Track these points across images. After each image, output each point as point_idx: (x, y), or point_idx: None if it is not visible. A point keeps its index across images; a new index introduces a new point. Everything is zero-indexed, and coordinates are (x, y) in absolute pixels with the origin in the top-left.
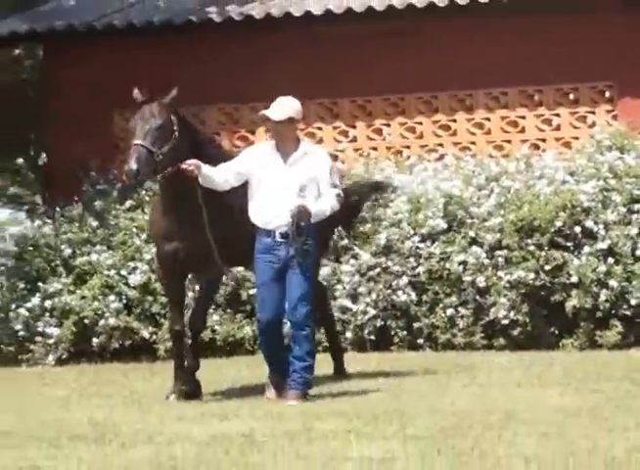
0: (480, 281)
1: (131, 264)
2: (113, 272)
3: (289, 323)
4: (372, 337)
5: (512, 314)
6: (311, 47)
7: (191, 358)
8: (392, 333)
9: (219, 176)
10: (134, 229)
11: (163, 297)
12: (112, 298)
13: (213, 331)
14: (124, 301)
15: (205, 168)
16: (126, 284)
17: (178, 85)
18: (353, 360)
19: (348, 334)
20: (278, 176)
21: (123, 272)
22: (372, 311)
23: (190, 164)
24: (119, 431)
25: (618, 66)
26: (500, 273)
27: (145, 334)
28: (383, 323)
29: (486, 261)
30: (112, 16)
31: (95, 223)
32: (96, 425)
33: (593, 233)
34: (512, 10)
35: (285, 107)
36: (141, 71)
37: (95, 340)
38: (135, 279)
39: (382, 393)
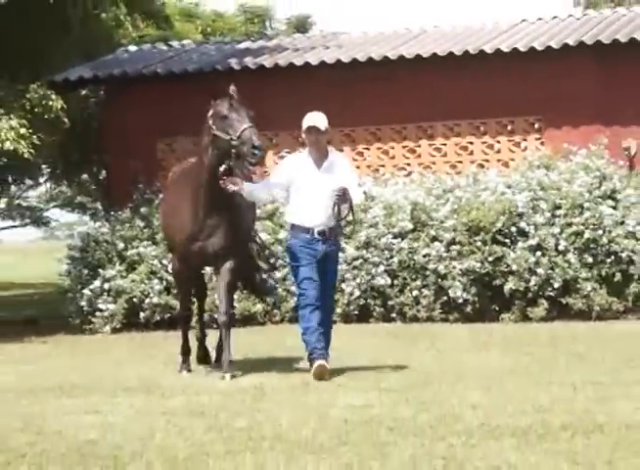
0: (440, 269)
1: (170, 255)
2: (156, 261)
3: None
4: (356, 312)
5: (464, 295)
6: (309, 89)
7: (200, 331)
8: (371, 309)
9: (264, 192)
10: None
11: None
12: (155, 281)
13: (232, 306)
14: (165, 283)
15: (248, 186)
16: (166, 271)
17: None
18: (341, 330)
19: (338, 310)
20: (313, 181)
21: (164, 261)
22: (356, 293)
23: (233, 181)
24: (160, 384)
25: (546, 104)
26: (455, 263)
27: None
28: (364, 301)
29: (444, 254)
30: (156, 65)
31: (142, 224)
32: (142, 380)
33: (525, 232)
34: (463, 61)
35: (323, 119)
36: (178, 109)
37: (142, 314)
38: (171, 266)
39: (362, 355)
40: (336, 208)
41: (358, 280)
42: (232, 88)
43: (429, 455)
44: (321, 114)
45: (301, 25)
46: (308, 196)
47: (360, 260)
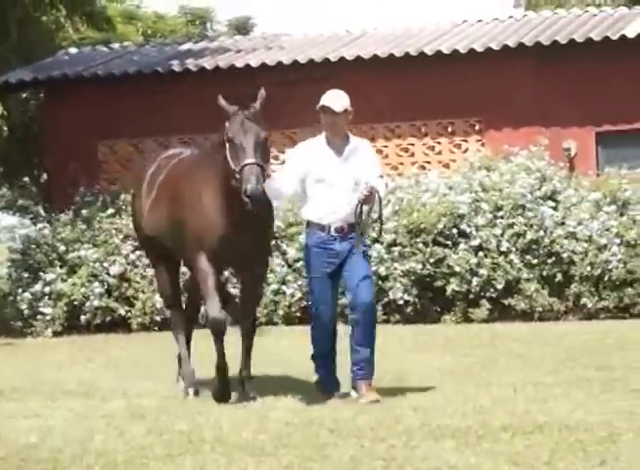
0: (381, 270)
1: (111, 258)
2: (97, 264)
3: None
4: (298, 314)
5: (405, 296)
6: (251, 90)
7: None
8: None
9: (285, 185)
10: (113, 231)
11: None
12: (96, 284)
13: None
14: (106, 286)
15: (270, 180)
16: (107, 273)
17: (147, 121)
18: (284, 332)
19: (280, 311)
20: (333, 171)
21: (105, 264)
22: (298, 294)
23: None
24: (100, 387)
25: (486, 105)
26: (396, 264)
27: (121, 312)
28: (306, 303)
29: (386, 256)
30: (97, 67)
31: (83, 226)
32: (83, 383)
33: (467, 233)
34: (404, 63)
35: (342, 98)
36: (119, 111)
37: (83, 317)
38: (114, 270)
39: (304, 358)
40: (358, 207)
41: (300, 282)
42: (261, 93)
43: (369, 457)
44: (341, 92)
45: (243, 27)
46: (326, 188)
47: (301, 262)
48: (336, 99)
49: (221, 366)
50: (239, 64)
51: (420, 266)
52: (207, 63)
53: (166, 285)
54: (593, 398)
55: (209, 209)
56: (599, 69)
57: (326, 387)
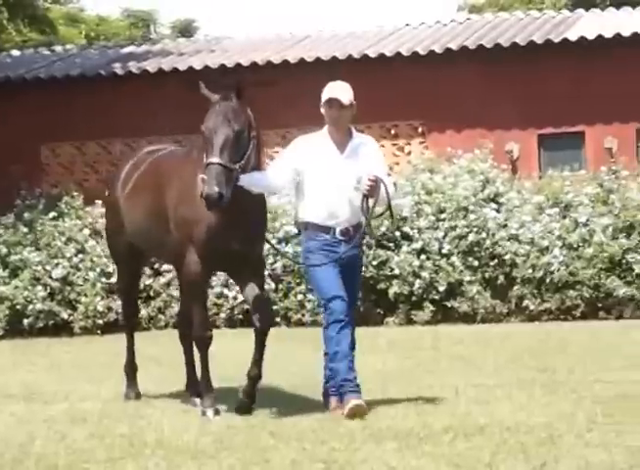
0: None
1: (54, 261)
2: (39, 268)
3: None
4: (240, 316)
5: None
6: (193, 95)
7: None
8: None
9: (274, 180)
10: (56, 234)
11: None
12: (38, 288)
13: (117, 313)
14: (48, 290)
15: (256, 175)
16: (50, 277)
17: (90, 124)
18: (225, 335)
19: (222, 315)
20: (335, 168)
21: (48, 267)
22: (240, 297)
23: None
24: (43, 391)
25: (429, 108)
26: None
27: (64, 316)
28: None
29: None
30: (39, 70)
31: (25, 229)
32: (25, 387)
33: (409, 236)
34: (347, 66)
35: (347, 91)
36: (61, 114)
37: (25, 320)
38: (57, 273)
39: (246, 360)
40: (365, 202)
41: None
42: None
43: (310, 459)
44: (345, 84)
45: (186, 30)
46: (328, 187)
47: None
48: (342, 91)
49: (205, 376)
50: (182, 67)
51: (363, 269)
52: (150, 65)
53: (128, 287)
54: (535, 400)
55: (199, 205)
56: (541, 71)
57: (345, 386)
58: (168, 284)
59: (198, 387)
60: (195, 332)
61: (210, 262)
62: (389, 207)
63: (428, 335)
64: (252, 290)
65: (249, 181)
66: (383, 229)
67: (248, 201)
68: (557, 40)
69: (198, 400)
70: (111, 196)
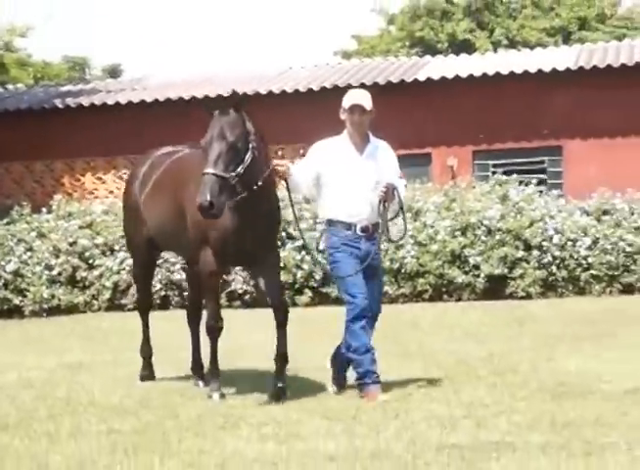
0: None
1: (7, 258)
2: None
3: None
4: (158, 301)
5: (244, 286)
6: (120, 123)
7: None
8: (171, 299)
9: (305, 179)
10: (9, 236)
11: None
12: None
13: (59, 299)
14: (3, 281)
15: (294, 170)
16: (4, 271)
17: (36, 147)
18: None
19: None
20: (355, 169)
21: (2, 263)
22: (157, 286)
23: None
24: None
25: (310, 132)
26: None
27: (16, 302)
28: (164, 293)
29: None
30: None
31: None
32: None
33: (293, 236)
34: None
35: (368, 97)
36: (13, 138)
37: None
38: (10, 267)
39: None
40: (381, 206)
41: (159, 276)
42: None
43: (212, 414)
44: (365, 91)
45: (113, 72)
46: (349, 186)
47: (161, 259)
48: (364, 98)
49: (213, 362)
50: (110, 101)
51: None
52: (85, 101)
53: (143, 276)
54: (391, 366)
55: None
56: (398, 104)
57: (368, 377)
58: (101, 276)
59: (201, 370)
60: (207, 322)
61: (225, 260)
62: (402, 210)
63: (308, 314)
64: (268, 282)
65: (292, 187)
66: None
67: (263, 204)
68: (409, 80)
69: (201, 383)
70: (128, 195)
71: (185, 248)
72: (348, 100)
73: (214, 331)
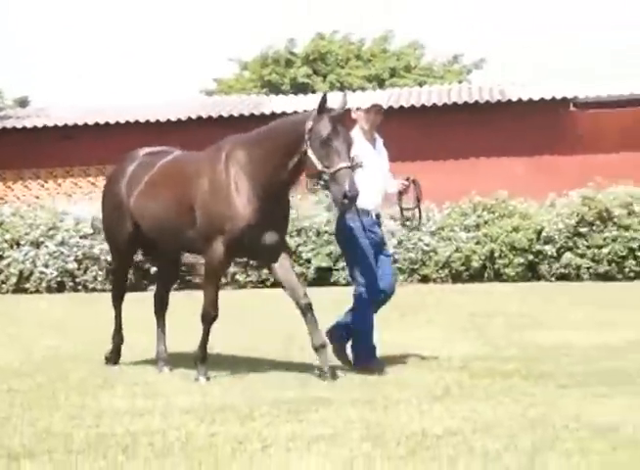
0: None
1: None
2: None
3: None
4: (55, 285)
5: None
6: (30, 145)
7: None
8: (65, 285)
9: None
10: None
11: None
12: None
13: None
14: None
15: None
16: None
17: None
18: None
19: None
20: (372, 162)
21: None
22: (55, 273)
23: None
24: None
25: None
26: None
27: None
28: (60, 279)
29: None
30: None
31: None
32: None
33: None
34: (126, 130)
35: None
36: None
37: None
38: None
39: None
40: (399, 198)
41: (56, 265)
42: (342, 101)
43: (93, 377)
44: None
45: (23, 102)
46: (366, 176)
47: (58, 252)
48: (381, 101)
49: (202, 348)
50: (18, 126)
51: None
52: (16, 124)
53: (121, 273)
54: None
55: (242, 199)
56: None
57: (372, 360)
58: (8, 265)
59: (166, 357)
60: (204, 308)
61: (235, 253)
62: (419, 203)
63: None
64: (283, 271)
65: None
66: None
67: (285, 198)
68: (257, 113)
69: (166, 368)
70: (112, 193)
71: (187, 241)
72: (371, 101)
73: (210, 319)
